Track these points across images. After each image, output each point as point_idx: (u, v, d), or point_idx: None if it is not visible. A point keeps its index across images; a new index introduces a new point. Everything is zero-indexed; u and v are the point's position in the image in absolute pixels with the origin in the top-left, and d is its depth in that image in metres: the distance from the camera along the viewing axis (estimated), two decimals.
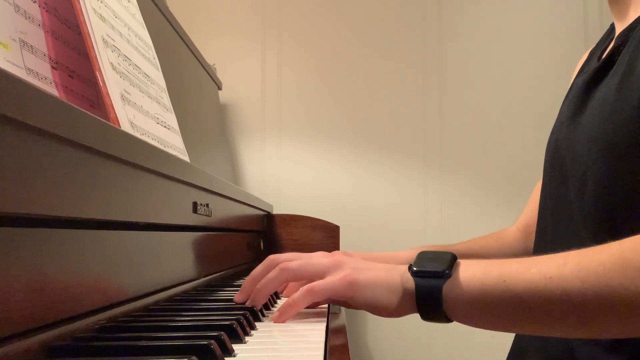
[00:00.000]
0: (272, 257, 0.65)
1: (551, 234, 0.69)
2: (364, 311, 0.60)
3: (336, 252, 0.87)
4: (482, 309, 0.50)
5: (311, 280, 0.60)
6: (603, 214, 0.57)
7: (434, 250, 0.56)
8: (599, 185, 0.58)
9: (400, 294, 0.54)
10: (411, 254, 0.82)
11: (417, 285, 0.53)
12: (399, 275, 0.55)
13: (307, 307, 0.67)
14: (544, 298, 0.46)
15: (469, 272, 0.52)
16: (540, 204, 0.75)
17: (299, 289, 0.60)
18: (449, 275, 0.52)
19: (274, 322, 0.59)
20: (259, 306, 0.62)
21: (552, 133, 0.73)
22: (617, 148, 0.55)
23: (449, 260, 0.53)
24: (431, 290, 0.52)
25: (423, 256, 0.56)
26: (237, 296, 0.64)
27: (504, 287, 0.49)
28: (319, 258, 0.61)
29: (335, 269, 0.59)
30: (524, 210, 0.93)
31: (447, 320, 0.53)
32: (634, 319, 0.43)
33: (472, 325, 0.52)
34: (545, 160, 0.75)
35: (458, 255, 0.54)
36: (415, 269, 0.54)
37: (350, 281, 0.56)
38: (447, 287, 0.52)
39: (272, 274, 0.62)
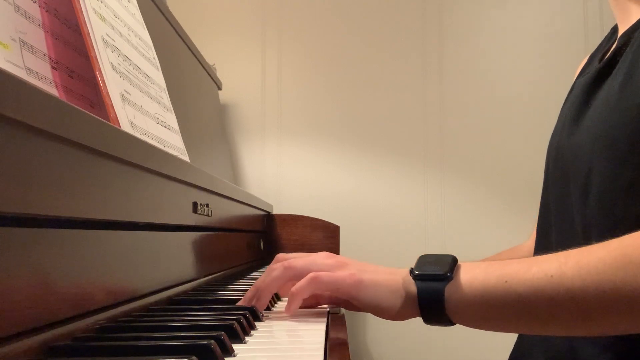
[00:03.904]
0: (280, 257, 0.65)
1: (555, 234, 0.69)
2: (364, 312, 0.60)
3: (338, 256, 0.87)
4: (484, 311, 0.50)
5: None
6: (606, 213, 0.57)
7: (434, 254, 0.56)
8: (602, 184, 0.57)
9: (402, 297, 0.54)
10: None
11: (418, 289, 0.53)
12: (401, 278, 0.55)
13: (308, 307, 0.67)
14: (545, 297, 0.46)
15: (470, 274, 0.51)
16: (542, 205, 0.74)
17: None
18: (450, 278, 0.52)
19: (285, 314, 0.60)
20: (264, 305, 0.63)
21: (554, 134, 0.73)
22: (621, 147, 0.55)
23: (450, 263, 0.53)
24: (433, 293, 0.52)
25: (424, 259, 0.56)
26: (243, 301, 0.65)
27: (505, 288, 0.49)
28: (323, 258, 0.61)
29: (340, 268, 0.59)
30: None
31: (450, 323, 0.53)
32: (636, 314, 0.43)
33: (475, 327, 0.52)
34: (546, 161, 0.74)
35: None
36: (416, 272, 0.54)
37: (356, 280, 0.56)
38: (448, 289, 0.51)
39: (275, 272, 0.62)
